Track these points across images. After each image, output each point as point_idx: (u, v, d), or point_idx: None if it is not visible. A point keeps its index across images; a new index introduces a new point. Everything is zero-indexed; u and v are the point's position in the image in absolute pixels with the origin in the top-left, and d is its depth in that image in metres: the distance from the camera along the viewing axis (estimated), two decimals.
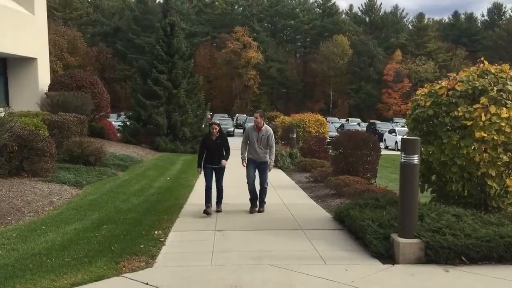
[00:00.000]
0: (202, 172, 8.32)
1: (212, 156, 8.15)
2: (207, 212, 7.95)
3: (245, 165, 8.47)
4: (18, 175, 10.10)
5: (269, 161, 8.41)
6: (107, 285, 4.74)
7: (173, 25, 23.09)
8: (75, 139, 13.02)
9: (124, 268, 5.21)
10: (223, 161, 8.11)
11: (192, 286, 4.73)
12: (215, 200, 8.35)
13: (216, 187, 8.32)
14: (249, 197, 8.62)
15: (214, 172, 8.24)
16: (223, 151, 8.19)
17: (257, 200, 8.48)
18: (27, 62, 18.40)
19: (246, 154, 8.47)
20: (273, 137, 8.44)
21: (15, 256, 5.54)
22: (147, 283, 4.77)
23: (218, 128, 8.22)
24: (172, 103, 22.16)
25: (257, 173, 8.56)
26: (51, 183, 9.85)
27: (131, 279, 4.89)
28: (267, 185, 8.60)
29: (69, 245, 6.04)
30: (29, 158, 10.25)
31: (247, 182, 8.44)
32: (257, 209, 8.50)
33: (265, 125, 8.42)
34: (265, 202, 8.63)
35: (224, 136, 8.34)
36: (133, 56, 55.22)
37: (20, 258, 5.45)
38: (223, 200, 8.58)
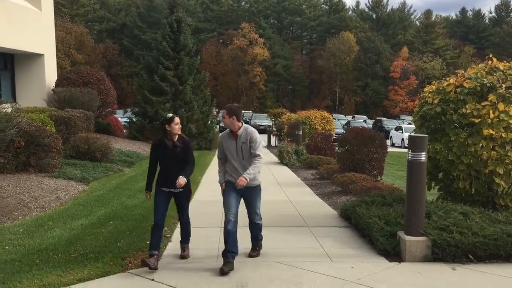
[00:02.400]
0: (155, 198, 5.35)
1: (168, 173, 5.25)
2: (150, 266, 4.94)
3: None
4: (25, 171, 10.15)
5: (247, 174, 5.15)
6: (113, 281, 4.75)
7: (180, 21, 23.07)
8: (82, 135, 13.07)
9: (130, 264, 5.22)
10: (180, 180, 5.08)
11: (198, 283, 4.73)
12: (180, 239, 5.70)
13: (180, 221, 5.58)
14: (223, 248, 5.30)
15: (174, 198, 5.42)
16: (185, 165, 5.31)
17: (234, 253, 5.25)
18: (34, 58, 18.48)
19: (225, 177, 5.49)
20: (258, 141, 5.37)
21: (22, 252, 5.56)
22: (153, 279, 4.78)
23: (180, 126, 5.34)
24: (178, 100, 22.17)
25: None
26: (58, 179, 9.89)
27: (137, 275, 4.89)
28: (261, 219, 5.69)
29: (76, 240, 6.06)
30: (36, 154, 10.29)
31: (225, 219, 5.28)
32: (252, 253, 5.76)
33: (243, 125, 5.37)
34: (262, 239, 5.85)
35: (188, 142, 5.43)
36: (140, 53, 55.38)
37: (27, 254, 5.48)
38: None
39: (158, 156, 5.34)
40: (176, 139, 5.29)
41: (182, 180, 5.10)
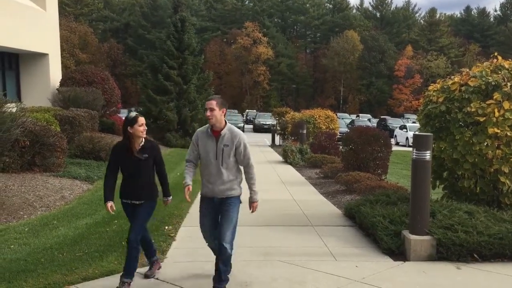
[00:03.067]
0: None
1: (129, 183, 4.52)
2: None
3: (188, 198, 4.44)
4: (30, 170, 10.18)
5: (250, 194, 4.52)
6: (118, 280, 4.74)
7: (184, 20, 23.11)
8: (86, 135, 13.10)
9: None
10: (168, 201, 4.70)
11: (202, 282, 4.73)
12: (148, 254, 4.92)
13: (127, 239, 4.51)
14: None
15: (136, 212, 4.55)
16: (151, 177, 4.54)
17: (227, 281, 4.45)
18: (38, 58, 18.53)
19: (191, 179, 4.49)
20: (248, 146, 4.46)
21: (27, 251, 5.59)
22: (157, 278, 4.79)
23: (145, 128, 4.49)
24: (183, 99, 22.21)
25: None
26: (63, 178, 9.92)
27: (142, 273, 4.90)
28: (232, 248, 4.40)
29: (81, 239, 6.08)
30: (41, 153, 10.33)
31: (207, 243, 4.68)
32: None
33: (228, 124, 4.42)
34: (227, 281, 4.47)
35: (156, 146, 4.62)
36: (144, 52, 55.50)
37: (32, 253, 5.50)
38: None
39: (118, 162, 4.52)
40: (142, 144, 4.46)
41: (169, 201, 4.70)
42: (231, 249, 4.38)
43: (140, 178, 4.48)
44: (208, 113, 4.30)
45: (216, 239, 4.37)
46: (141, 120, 4.44)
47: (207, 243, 4.69)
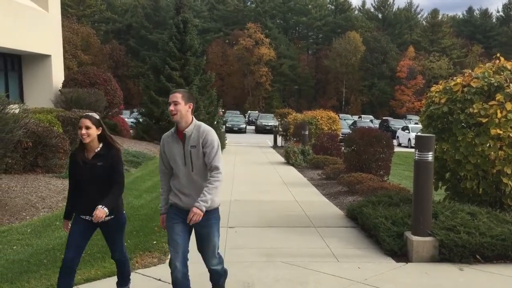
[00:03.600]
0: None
1: (85, 196, 3.83)
2: None
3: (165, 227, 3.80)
4: (33, 171, 10.21)
5: (202, 203, 3.50)
6: None
7: (186, 21, 23.12)
8: None
9: (137, 264, 5.23)
10: (98, 211, 3.59)
11: (205, 283, 4.73)
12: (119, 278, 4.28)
13: (113, 258, 4.11)
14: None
15: (100, 228, 3.95)
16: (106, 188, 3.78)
17: None
18: (41, 59, 18.57)
19: (170, 197, 3.79)
20: (216, 145, 3.65)
21: (29, 252, 5.59)
22: (159, 279, 4.79)
23: (86, 132, 3.69)
24: None
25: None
26: (65, 179, 9.93)
27: (144, 275, 4.91)
28: (221, 263, 3.96)
29: None
30: (43, 154, 10.35)
31: (171, 264, 3.63)
32: None
33: (194, 122, 3.71)
34: (226, 276, 4.15)
35: (114, 154, 3.84)
36: (146, 53, 55.57)
37: (35, 253, 5.51)
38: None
39: (72, 173, 3.87)
40: (98, 149, 3.80)
41: (100, 212, 3.57)
42: (222, 264, 3.95)
43: (95, 190, 3.77)
44: (172, 108, 3.60)
45: (204, 261, 3.83)
46: (82, 122, 3.70)
47: (172, 274, 3.61)
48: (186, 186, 3.65)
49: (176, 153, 3.66)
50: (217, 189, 3.59)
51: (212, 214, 3.69)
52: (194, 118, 3.73)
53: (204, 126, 3.70)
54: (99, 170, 3.75)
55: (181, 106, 3.60)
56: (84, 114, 3.80)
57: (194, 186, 3.64)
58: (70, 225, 3.89)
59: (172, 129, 3.76)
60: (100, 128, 3.77)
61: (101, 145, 3.83)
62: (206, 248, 3.76)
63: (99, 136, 3.79)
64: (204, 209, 3.51)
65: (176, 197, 3.70)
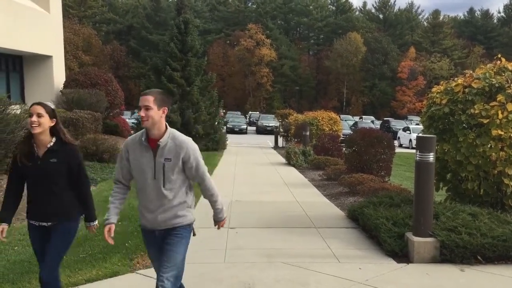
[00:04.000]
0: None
1: (35, 199, 3.43)
2: None
3: (110, 240, 3.30)
4: None
5: (214, 213, 3.45)
6: (121, 282, 4.77)
7: (187, 22, 23.13)
8: (90, 136, 13.14)
9: (138, 265, 5.24)
10: (90, 230, 3.66)
11: (205, 283, 4.73)
12: None
13: (40, 275, 3.37)
14: None
15: (50, 237, 3.42)
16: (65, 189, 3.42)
17: None
18: (42, 60, 18.59)
19: (115, 214, 3.38)
20: (199, 154, 3.23)
21: (30, 252, 5.57)
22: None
23: (37, 121, 3.25)
24: (186, 101, 22.24)
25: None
26: None
27: (145, 275, 4.91)
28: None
29: (84, 241, 6.08)
30: None
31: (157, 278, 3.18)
32: None
33: (169, 129, 3.20)
34: None
35: (72, 149, 3.44)
36: (147, 54, 55.64)
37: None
38: None
39: (20, 169, 3.36)
40: (51, 144, 3.35)
41: (92, 229, 3.52)
42: None
43: (46, 192, 3.36)
44: (142, 113, 3.05)
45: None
46: (34, 108, 3.26)
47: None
48: (153, 202, 3.18)
49: (144, 164, 3.15)
50: (219, 200, 3.39)
51: (182, 230, 3.22)
52: (167, 125, 3.20)
53: (180, 136, 3.20)
54: (52, 168, 3.31)
55: (153, 112, 3.06)
56: (37, 101, 3.36)
57: (162, 202, 3.17)
58: (5, 230, 3.37)
59: (140, 133, 3.21)
60: (54, 120, 3.34)
61: (54, 139, 3.36)
62: (166, 262, 3.12)
63: (51, 129, 3.34)
64: (225, 215, 3.46)
65: (143, 217, 3.28)
